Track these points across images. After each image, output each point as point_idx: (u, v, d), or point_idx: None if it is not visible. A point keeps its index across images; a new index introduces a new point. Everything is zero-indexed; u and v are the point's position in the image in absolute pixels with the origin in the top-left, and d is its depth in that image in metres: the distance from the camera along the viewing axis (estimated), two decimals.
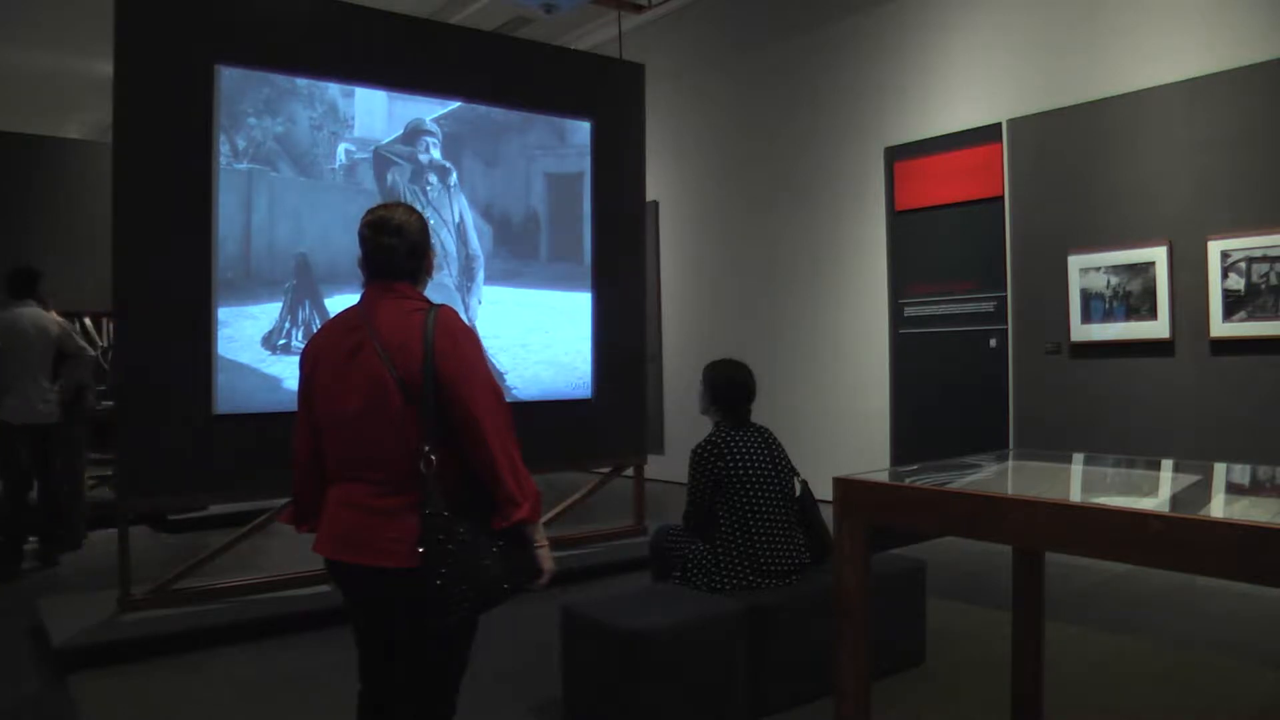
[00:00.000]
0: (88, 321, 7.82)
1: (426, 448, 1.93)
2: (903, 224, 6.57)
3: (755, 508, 3.19)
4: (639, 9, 8.20)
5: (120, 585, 4.15)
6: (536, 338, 5.33)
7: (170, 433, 4.16)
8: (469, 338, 2.04)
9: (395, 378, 1.96)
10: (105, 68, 4.44)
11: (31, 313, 5.31)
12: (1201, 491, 2.23)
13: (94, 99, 10.23)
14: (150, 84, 4.14)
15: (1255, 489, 2.31)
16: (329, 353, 2.07)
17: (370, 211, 2.13)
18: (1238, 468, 2.52)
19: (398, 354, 1.97)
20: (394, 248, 2.07)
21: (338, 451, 2.05)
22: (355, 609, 2.13)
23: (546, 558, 2.05)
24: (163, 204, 4.17)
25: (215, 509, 6.34)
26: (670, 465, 7.20)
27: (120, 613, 4.11)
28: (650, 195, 6.50)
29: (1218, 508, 2.08)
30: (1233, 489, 2.30)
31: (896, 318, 6.60)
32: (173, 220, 4.19)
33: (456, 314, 2.08)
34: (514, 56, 5.34)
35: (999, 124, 5.91)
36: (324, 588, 4.50)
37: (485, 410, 1.96)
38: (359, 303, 2.10)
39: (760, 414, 3.45)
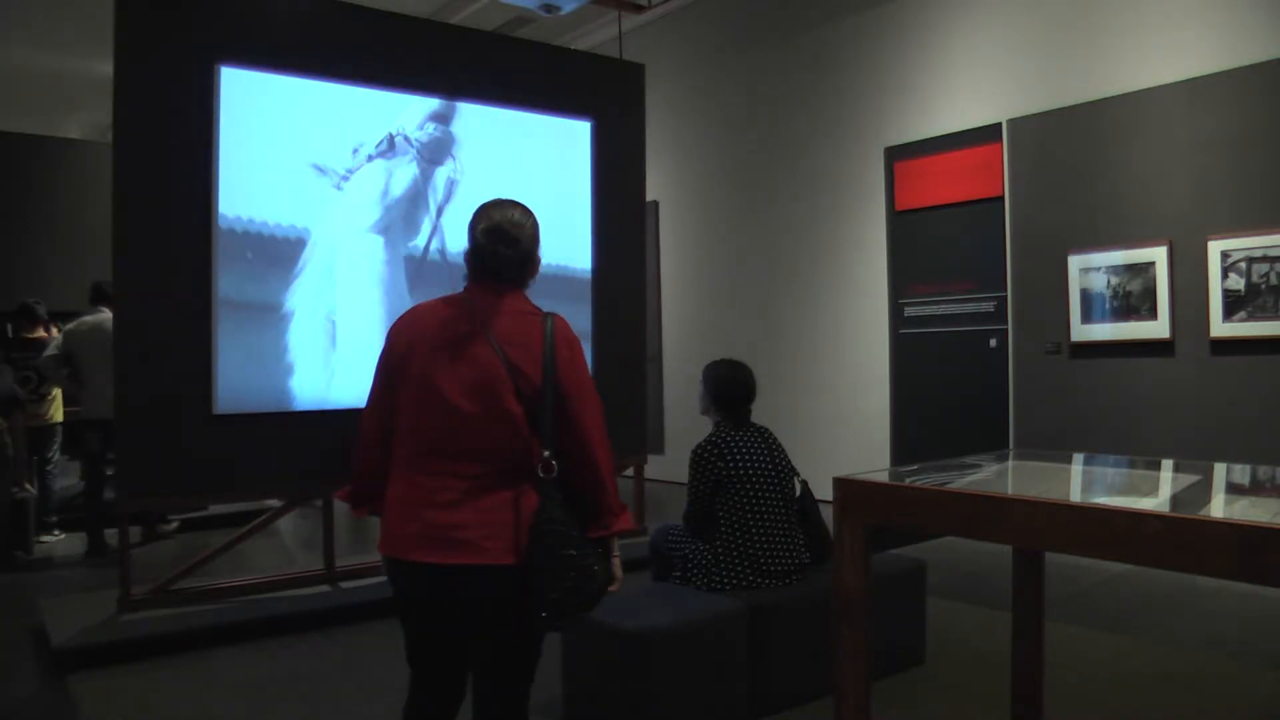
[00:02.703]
0: None
1: (547, 453, 1.95)
2: (903, 224, 6.57)
3: (755, 508, 3.19)
4: (639, 9, 8.19)
5: (120, 585, 4.16)
6: None
7: (170, 433, 4.16)
8: (580, 350, 2.09)
9: (511, 378, 1.95)
10: (105, 68, 4.43)
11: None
12: (1201, 491, 2.22)
13: (94, 99, 10.23)
14: (150, 84, 4.14)
15: (1255, 489, 2.30)
16: (431, 339, 2.00)
17: (486, 215, 2.07)
18: (1238, 468, 2.52)
19: (514, 352, 1.97)
20: (509, 259, 2.06)
21: (428, 440, 1.97)
22: (426, 610, 2.01)
23: (619, 566, 2.11)
24: (163, 204, 4.17)
25: (215, 509, 6.35)
26: (670, 465, 7.20)
27: (120, 613, 4.11)
28: (650, 195, 6.50)
29: (1218, 508, 2.08)
30: (1233, 489, 2.30)
31: (896, 318, 6.60)
32: (173, 220, 4.19)
33: (568, 324, 2.10)
34: (514, 56, 5.33)
35: (999, 124, 5.91)
36: (324, 587, 4.51)
37: (595, 423, 2.05)
38: (465, 296, 2.06)
39: (760, 414, 3.45)
